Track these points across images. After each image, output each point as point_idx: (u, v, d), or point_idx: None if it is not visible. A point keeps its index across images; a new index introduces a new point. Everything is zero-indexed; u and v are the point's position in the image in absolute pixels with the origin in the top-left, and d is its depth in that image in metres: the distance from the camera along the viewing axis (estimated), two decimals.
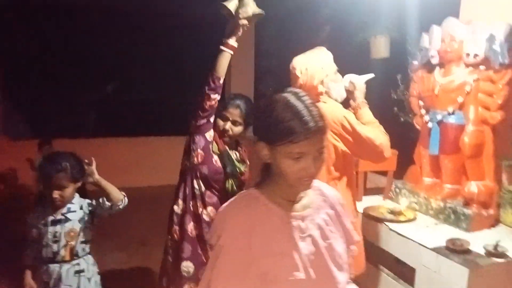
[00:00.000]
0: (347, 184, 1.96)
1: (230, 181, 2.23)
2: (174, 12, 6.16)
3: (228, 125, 2.20)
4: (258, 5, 2.06)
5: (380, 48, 3.92)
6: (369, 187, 3.11)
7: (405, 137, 2.88)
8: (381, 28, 3.88)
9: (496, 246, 1.86)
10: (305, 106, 1.02)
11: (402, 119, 3.11)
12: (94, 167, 2.04)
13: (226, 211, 1.13)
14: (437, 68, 2.44)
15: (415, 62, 2.60)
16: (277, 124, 1.01)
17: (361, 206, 2.53)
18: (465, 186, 2.24)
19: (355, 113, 2.04)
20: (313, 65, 1.91)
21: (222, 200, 2.25)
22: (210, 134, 2.20)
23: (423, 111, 2.51)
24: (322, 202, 1.17)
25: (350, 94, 2.09)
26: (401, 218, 2.35)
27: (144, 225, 4.66)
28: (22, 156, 4.58)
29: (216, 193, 2.24)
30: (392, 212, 2.41)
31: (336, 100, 1.98)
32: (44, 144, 4.62)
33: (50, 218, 1.99)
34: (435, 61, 2.44)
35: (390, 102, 3.28)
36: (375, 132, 1.87)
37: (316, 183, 1.15)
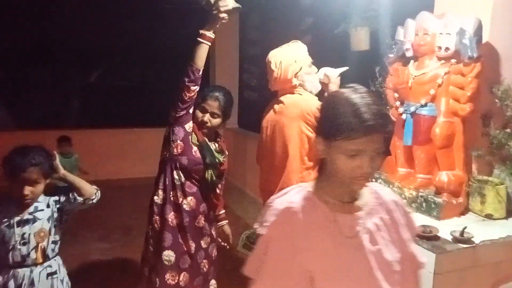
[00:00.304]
0: None
1: (209, 172, 2.28)
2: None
3: (207, 117, 2.24)
4: None
5: (360, 40, 3.96)
6: None
7: None
8: (361, 20, 3.92)
9: (462, 233, 1.94)
10: (365, 103, 0.99)
11: None
12: (58, 161, 1.91)
13: (275, 204, 1.13)
14: (412, 61, 2.51)
15: (391, 55, 2.66)
16: (335, 119, 1.00)
17: None
18: (436, 176, 2.32)
19: None
20: (287, 59, 1.96)
21: (202, 190, 2.30)
22: (189, 125, 2.24)
23: (397, 103, 2.57)
24: (377, 205, 1.14)
25: (324, 86, 2.15)
26: None
27: (126, 216, 4.70)
28: None
29: (196, 183, 2.29)
30: None
31: (311, 92, 2.03)
32: (64, 140, 4.48)
33: (16, 218, 1.83)
34: (409, 54, 2.50)
35: None
36: None
37: (375, 186, 1.16)
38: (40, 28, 5.84)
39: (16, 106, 6.10)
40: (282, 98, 2.03)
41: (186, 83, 2.08)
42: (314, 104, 1.91)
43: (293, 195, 1.14)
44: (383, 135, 0.99)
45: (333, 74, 2.11)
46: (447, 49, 2.25)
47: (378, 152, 1.01)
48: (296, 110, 1.92)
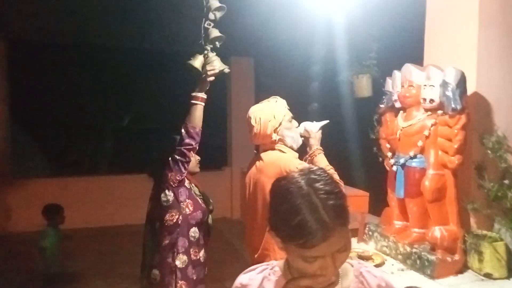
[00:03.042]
0: None
1: (210, 216, 2.35)
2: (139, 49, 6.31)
3: (197, 159, 2.31)
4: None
5: (362, 87, 3.99)
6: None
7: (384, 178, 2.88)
8: (362, 68, 3.97)
9: None
10: (323, 199, 0.86)
11: (380, 159, 3.12)
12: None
13: (237, 279, 1.10)
14: (401, 112, 2.48)
15: (381, 105, 2.64)
16: (287, 221, 0.87)
17: None
18: (429, 231, 2.22)
19: (311, 160, 2.09)
20: (266, 115, 1.98)
21: (205, 236, 2.32)
22: (187, 182, 2.29)
23: (389, 154, 2.53)
24: None
25: (306, 141, 2.15)
26: (369, 263, 2.32)
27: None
28: None
29: (202, 233, 2.33)
30: (360, 256, 2.39)
31: (291, 147, 2.04)
32: (53, 209, 4.29)
33: None
34: (398, 104, 2.48)
35: (371, 142, 3.32)
36: None
37: (362, 266, 1.05)
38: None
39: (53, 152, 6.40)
40: (262, 155, 2.04)
41: (187, 145, 2.12)
42: (292, 163, 1.91)
43: (254, 275, 1.08)
44: (345, 231, 0.88)
45: (314, 128, 2.12)
46: (431, 101, 2.22)
47: (342, 250, 0.89)
48: (275, 169, 1.92)
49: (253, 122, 2.03)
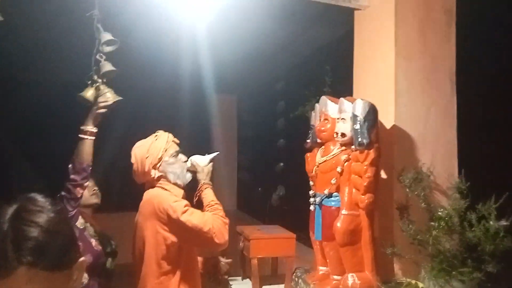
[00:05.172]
0: (182, 278, 1.77)
1: (109, 260, 2.14)
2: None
3: (93, 189, 2.17)
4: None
5: (311, 118, 3.86)
6: (280, 273, 2.84)
7: None
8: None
9: None
10: (14, 235, 0.72)
11: None
12: None
13: None
14: (321, 147, 2.33)
15: (308, 141, 2.50)
16: None
17: None
18: (343, 279, 2.00)
19: (199, 195, 1.93)
20: (142, 151, 1.86)
21: (101, 283, 2.11)
22: (81, 222, 2.13)
23: (311, 192, 2.35)
24: None
25: (195, 175, 1.99)
26: None
27: None
28: None
29: (97, 279, 2.11)
30: None
31: (175, 184, 1.88)
32: None
33: None
34: (319, 139, 2.33)
35: None
36: (204, 219, 1.73)
37: None
38: None
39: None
40: (145, 193, 1.89)
41: (72, 180, 1.99)
42: (167, 201, 1.75)
43: None
44: (48, 277, 0.72)
45: (201, 162, 1.96)
46: (343, 135, 2.07)
47: None
48: (149, 208, 1.76)
49: (132, 159, 1.91)
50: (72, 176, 1.96)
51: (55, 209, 0.78)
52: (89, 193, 2.17)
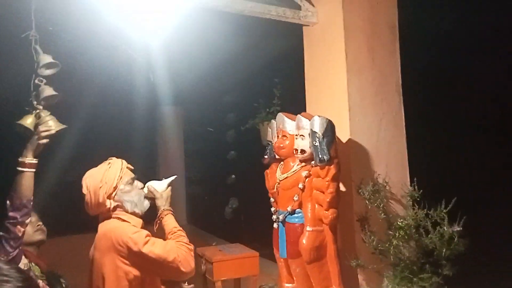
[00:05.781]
0: None
1: None
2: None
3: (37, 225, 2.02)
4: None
5: (267, 134, 3.88)
6: None
7: None
8: (267, 115, 3.89)
9: None
10: None
11: None
12: None
13: None
14: (281, 163, 2.32)
15: (265, 156, 2.48)
16: None
17: None
18: None
19: (159, 223, 1.84)
20: (95, 181, 1.73)
21: None
22: (24, 262, 1.92)
23: (273, 209, 2.33)
24: None
25: (154, 202, 1.89)
26: None
27: None
28: None
29: None
30: None
31: (133, 213, 1.78)
32: None
33: None
34: (278, 156, 2.33)
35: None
36: (168, 248, 1.65)
37: None
38: None
39: None
40: (99, 226, 1.76)
41: (11, 219, 1.80)
42: (125, 233, 1.64)
43: None
44: None
45: (159, 187, 1.87)
46: (302, 151, 2.08)
47: None
48: (106, 242, 1.65)
49: (84, 190, 1.78)
50: (11, 214, 1.78)
51: (22, 277, 0.69)
52: (32, 230, 1.98)
